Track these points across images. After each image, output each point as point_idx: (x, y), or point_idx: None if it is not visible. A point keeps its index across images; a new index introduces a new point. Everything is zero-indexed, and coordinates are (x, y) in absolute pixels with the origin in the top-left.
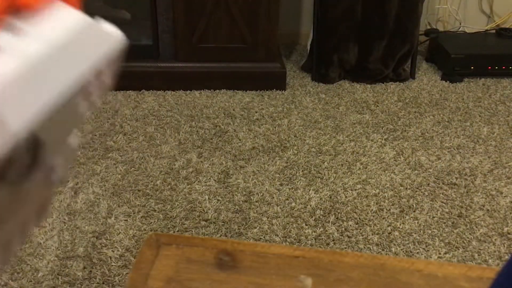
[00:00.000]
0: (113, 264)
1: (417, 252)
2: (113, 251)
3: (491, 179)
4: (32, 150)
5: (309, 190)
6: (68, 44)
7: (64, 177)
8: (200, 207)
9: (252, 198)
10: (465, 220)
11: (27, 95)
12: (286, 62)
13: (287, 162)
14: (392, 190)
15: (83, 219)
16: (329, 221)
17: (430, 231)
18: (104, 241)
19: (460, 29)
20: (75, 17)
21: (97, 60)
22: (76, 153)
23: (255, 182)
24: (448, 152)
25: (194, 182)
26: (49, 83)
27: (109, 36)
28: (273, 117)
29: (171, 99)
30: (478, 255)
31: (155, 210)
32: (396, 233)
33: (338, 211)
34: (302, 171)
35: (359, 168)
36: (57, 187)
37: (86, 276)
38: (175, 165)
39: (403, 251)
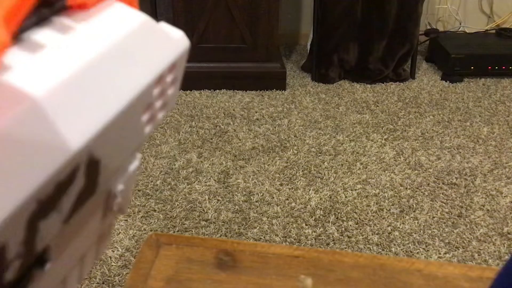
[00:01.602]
0: (113, 264)
1: (417, 252)
2: (113, 251)
3: (491, 179)
4: (88, 171)
5: (309, 190)
6: (127, 46)
7: (125, 205)
8: (200, 207)
9: (252, 198)
10: (465, 220)
11: (82, 103)
12: (286, 62)
13: (287, 162)
14: (392, 190)
15: None
16: (329, 221)
17: (430, 231)
18: None
19: (460, 29)
20: (135, 17)
21: (160, 67)
22: (136, 179)
23: (255, 182)
24: (448, 152)
25: (194, 182)
26: (107, 90)
27: (173, 40)
28: (273, 117)
29: None
30: (478, 255)
31: (155, 210)
32: (396, 233)
33: (338, 211)
34: (302, 171)
35: (359, 168)
36: (118, 216)
37: (86, 276)
38: (175, 165)
39: (403, 251)
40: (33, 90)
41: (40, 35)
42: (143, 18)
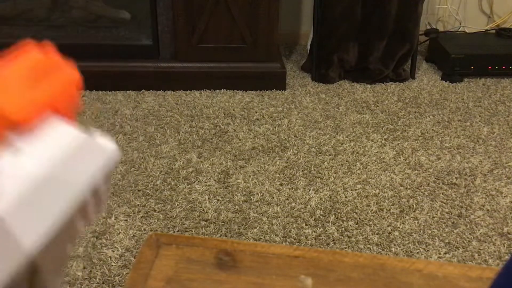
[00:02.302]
0: (113, 264)
1: (417, 252)
2: (113, 251)
3: (491, 179)
4: (29, 276)
5: (309, 190)
6: (65, 162)
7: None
8: (200, 207)
9: (252, 198)
10: (465, 220)
11: (32, 215)
12: (286, 62)
13: (287, 162)
14: (392, 190)
15: None
16: (329, 221)
17: (430, 231)
18: (104, 241)
19: (460, 29)
20: (71, 133)
21: (94, 177)
22: (67, 264)
23: (255, 182)
24: (448, 152)
25: (194, 182)
26: (51, 203)
27: (104, 151)
28: (273, 117)
29: (171, 99)
30: (478, 255)
31: (155, 210)
32: (396, 233)
33: (338, 211)
34: (302, 171)
35: (359, 168)
36: None
37: (86, 276)
38: (175, 165)
39: (403, 251)
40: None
41: (2, 160)
42: (76, 133)
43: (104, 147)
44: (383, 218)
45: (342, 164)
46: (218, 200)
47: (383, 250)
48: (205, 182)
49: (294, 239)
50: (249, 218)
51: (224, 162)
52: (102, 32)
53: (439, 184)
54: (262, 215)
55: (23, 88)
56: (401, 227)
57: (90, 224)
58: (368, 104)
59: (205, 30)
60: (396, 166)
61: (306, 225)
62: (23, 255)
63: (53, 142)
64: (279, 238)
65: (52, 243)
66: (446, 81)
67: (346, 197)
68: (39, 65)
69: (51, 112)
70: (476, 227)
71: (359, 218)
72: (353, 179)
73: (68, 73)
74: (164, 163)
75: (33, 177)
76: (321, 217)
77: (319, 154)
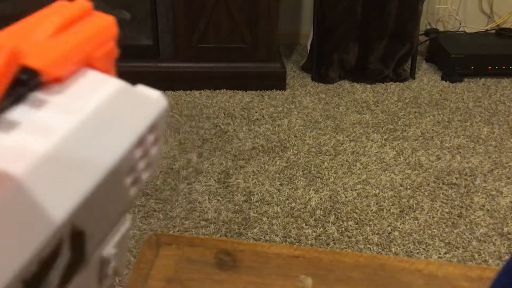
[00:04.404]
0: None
1: (417, 252)
2: None
3: (491, 179)
4: (73, 243)
5: (309, 190)
6: (103, 113)
7: (121, 268)
8: (200, 207)
9: (252, 198)
10: (465, 220)
11: (62, 176)
12: (286, 62)
13: (287, 162)
14: (392, 190)
15: None
16: (329, 221)
17: (430, 231)
18: None
19: (460, 29)
20: (110, 84)
21: (139, 130)
22: (128, 240)
23: (255, 182)
24: (448, 152)
25: (194, 182)
26: (86, 160)
27: (150, 101)
28: (273, 117)
29: (171, 99)
30: (478, 255)
31: (155, 210)
32: (396, 233)
33: (338, 211)
34: (302, 171)
35: (359, 168)
36: (113, 279)
37: None
38: (175, 165)
39: (403, 251)
40: (12, 169)
41: (16, 113)
42: (118, 84)
43: (149, 97)
44: (383, 218)
45: (342, 164)
46: (218, 200)
47: (383, 250)
48: (205, 182)
49: (294, 239)
50: (249, 218)
51: (224, 162)
52: None
53: (439, 184)
54: (262, 215)
55: (51, 37)
56: (401, 227)
57: (141, 186)
58: (368, 104)
59: (205, 30)
60: (396, 166)
61: (306, 225)
62: (53, 224)
63: (87, 92)
64: (279, 238)
65: (95, 206)
66: (446, 81)
67: (346, 197)
68: (69, 12)
69: (84, 63)
70: (476, 227)
71: (359, 218)
72: (353, 179)
73: (101, 18)
74: (164, 163)
75: (61, 131)
76: (321, 217)
77: (319, 154)
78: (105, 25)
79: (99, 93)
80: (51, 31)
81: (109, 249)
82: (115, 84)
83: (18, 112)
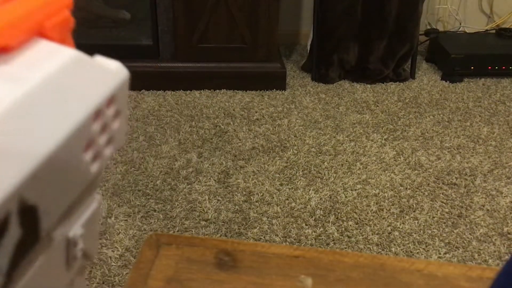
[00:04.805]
0: (113, 264)
1: (417, 252)
2: (113, 251)
3: (491, 179)
4: (24, 219)
5: (309, 190)
6: (53, 84)
7: (92, 251)
8: (200, 207)
9: (252, 198)
10: (465, 220)
11: (6, 148)
12: (286, 62)
13: (287, 162)
14: (392, 190)
15: None
16: (329, 221)
17: (430, 231)
18: (104, 241)
19: (460, 29)
20: (64, 53)
21: (95, 101)
22: (99, 219)
23: (255, 182)
24: (448, 152)
25: (194, 182)
26: (35, 130)
27: (107, 72)
28: (273, 117)
29: (171, 99)
30: (478, 255)
31: (155, 210)
32: (396, 233)
33: (338, 211)
34: (302, 171)
35: (359, 168)
36: (85, 264)
37: (86, 276)
38: (175, 165)
39: (403, 251)
40: None
41: None
42: (71, 53)
43: (106, 65)
44: (383, 218)
45: (342, 164)
46: (218, 200)
47: (383, 250)
48: (205, 182)
49: (294, 239)
50: (249, 218)
51: (224, 162)
52: (102, 32)
53: (439, 184)
54: (262, 215)
55: None
56: (401, 227)
57: (105, 161)
58: (368, 104)
59: (205, 30)
60: (396, 166)
61: (306, 225)
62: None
63: (38, 61)
64: (279, 238)
65: (48, 180)
66: (446, 81)
67: (346, 197)
68: None
69: (35, 32)
70: (476, 227)
71: (359, 218)
72: (353, 179)
73: None
74: (164, 163)
75: (7, 101)
76: (321, 217)
77: (319, 154)
78: None
79: (49, 62)
80: None
81: (75, 230)
82: (68, 53)
83: None
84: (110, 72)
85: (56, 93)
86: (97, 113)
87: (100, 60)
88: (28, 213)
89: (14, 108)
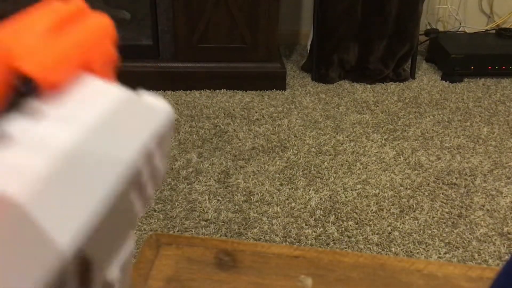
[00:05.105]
0: None
1: (417, 252)
2: None
3: (491, 179)
4: (81, 270)
5: (309, 190)
6: (106, 127)
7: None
8: (200, 207)
9: (252, 198)
10: (465, 220)
11: (67, 199)
12: (286, 62)
13: (287, 162)
14: (392, 190)
15: None
16: (329, 221)
17: (430, 231)
18: None
19: (460, 29)
20: (111, 92)
21: (145, 142)
22: (132, 257)
23: (255, 182)
24: (448, 152)
25: (194, 182)
26: (92, 181)
27: (155, 111)
28: (273, 117)
29: (171, 99)
30: (478, 255)
31: (155, 210)
32: (396, 233)
33: (338, 211)
34: (302, 171)
35: (359, 168)
36: None
37: None
38: (175, 165)
39: (403, 251)
40: (13, 193)
41: (12, 125)
42: (121, 92)
43: (154, 106)
44: (383, 218)
45: (342, 164)
46: (218, 200)
47: (383, 250)
48: (205, 182)
49: (294, 239)
50: (249, 218)
51: (224, 162)
52: None
53: (439, 184)
54: (262, 215)
55: (44, 39)
56: (401, 227)
57: (149, 203)
58: (368, 104)
59: (205, 30)
60: (396, 166)
61: (306, 225)
62: (59, 253)
63: (88, 103)
64: (279, 238)
65: (103, 230)
66: (446, 81)
67: (346, 197)
68: (63, 12)
69: (82, 68)
70: (476, 227)
71: (359, 218)
72: (353, 179)
73: (98, 20)
74: None
75: (64, 149)
76: (321, 217)
77: (319, 154)
78: (103, 26)
79: (100, 103)
80: (44, 32)
81: (113, 273)
82: (117, 92)
83: (14, 124)
84: (157, 111)
85: (108, 135)
86: (146, 154)
87: (146, 97)
88: (84, 265)
89: (71, 154)
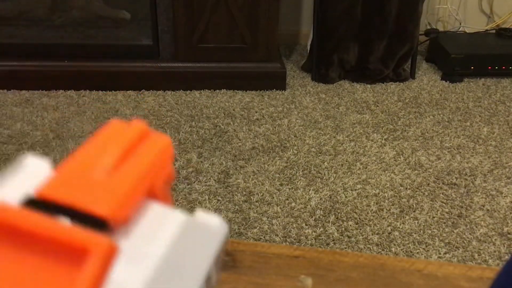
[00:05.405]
0: None
1: (417, 252)
2: None
3: (491, 179)
4: None
5: (309, 190)
6: (173, 261)
7: None
8: (200, 207)
9: (252, 198)
10: (465, 220)
11: None
12: (286, 62)
13: (287, 162)
14: (392, 190)
15: None
16: (329, 221)
17: (430, 231)
18: None
19: (460, 29)
20: (174, 220)
21: (206, 267)
22: None
23: (255, 182)
24: (448, 152)
25: (194, 182)
26: None
27: (212, 232)
28: (273, 117)
29: (171, 99)
30: (478, 255)
31: None
32: (396, 233)
33: (338, 211)
34: (302, 171)
35: (359, 168)
36: None
37: None
38: (175, 165)
39: (403, 251)
40: None
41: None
42: (181, 217)
43: (210, 225)
44: (383, 218)
45: (342, 164)
46: (218, 200)
47: (383, 250)
48: (205, 182)
49: (294, 239)
50: (249, 218)
51: (224, 162)
52: (102, 32)
53: (439, 184)
54: (262, 215)
55: (111, 171)
56: (401, 227)
57: None
58: (368, 104)
59: (205, 30)
60: (396, 166)
61: (306, 225)
62: None
63: (154, 234)
64: (279, 238)
65: None
66: (446, 81)
67: (346, 197)
68: (126, 137)
69: (147, 195)
70: (476, 227)
71: (359, 218)
72: (353, 179)
73: (158, 141)
74: None
75: (157, 262)
76: (321, 217)
77: (319, 154)
78: (164, 147)
79: (165, 232)
80: (113, 165)
81: None
82: (178, 218)
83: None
84: (214, 231)
85: (175, 270)
86: (207, 279)
87: (203, 217)
88: None
89: (161, 269)
